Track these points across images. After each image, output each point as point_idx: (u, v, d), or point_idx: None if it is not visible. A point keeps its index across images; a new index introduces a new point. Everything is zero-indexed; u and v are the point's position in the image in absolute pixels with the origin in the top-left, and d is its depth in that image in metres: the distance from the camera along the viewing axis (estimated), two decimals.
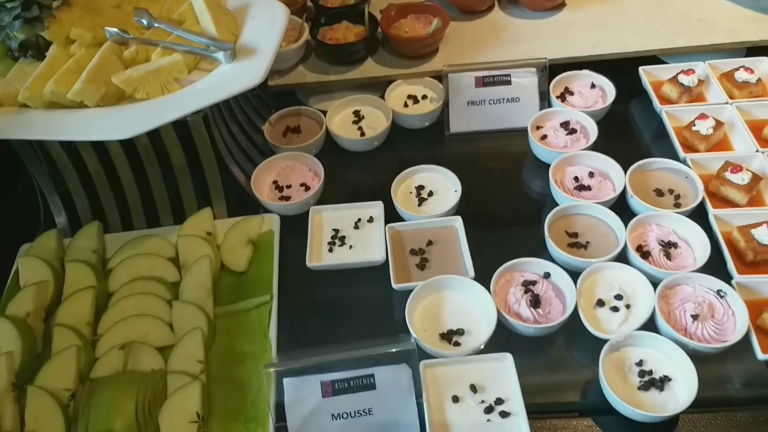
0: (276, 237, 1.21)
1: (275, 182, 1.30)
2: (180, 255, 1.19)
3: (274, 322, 1.10)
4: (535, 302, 1.04)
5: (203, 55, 1.17)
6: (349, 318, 1.14)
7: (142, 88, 1.12)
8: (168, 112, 1.06)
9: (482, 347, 1.01)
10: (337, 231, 1.21)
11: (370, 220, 1.22)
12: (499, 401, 0.95)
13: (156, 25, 1.20)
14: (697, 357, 0.97)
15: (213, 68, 1.17)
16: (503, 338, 1.04)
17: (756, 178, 1.18)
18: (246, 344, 1.09)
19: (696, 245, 1.11)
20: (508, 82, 1.38)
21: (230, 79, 1.12)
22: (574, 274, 1.07)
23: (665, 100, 1.39)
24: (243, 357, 1.08)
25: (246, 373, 1.05)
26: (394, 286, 1.10)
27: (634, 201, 1.18)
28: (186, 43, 1.18)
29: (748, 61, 1.41)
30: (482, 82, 1.38)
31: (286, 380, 0.95)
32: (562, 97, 1.41)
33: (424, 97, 1.45)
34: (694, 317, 1.00)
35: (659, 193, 1.21)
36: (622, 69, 1.45)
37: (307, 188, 1.28)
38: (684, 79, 1.38)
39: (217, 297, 1.15)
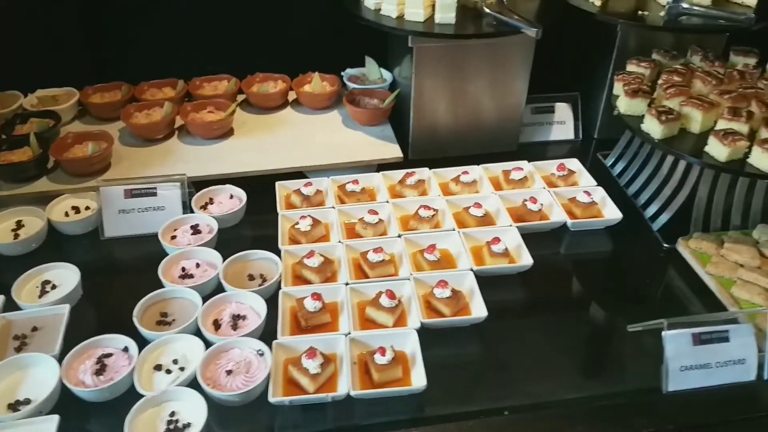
0: None
1: None
2: None
3: None
4: (100, 371, 1.20)
5: None
6: None
7: None
8: None
9: (42, 412, 1.14)
10: None
11: None
12: None
13: None
14: (232, 406, 1.17)
15: None
16: (70, 403, 1.18)
17: (328, 261, 1.47)
18: None
19: (263, 315, 1.34)
20: (154, 194, 1.63)
21: None
22: None
23: (291, 206, 1.70)
24: None
25: None
26: None
27: (224, 284, 1.41)
28: None
29: (360, 176, 1.77)
30: (131, 194, 1.62)
31: None
32: (205, 206, 1.68)
33: (87, 207, 1.66)
34: (229, 372, 1.20)
35: (251, 277, 1.45)
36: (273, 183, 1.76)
37: None
38: (305, 190, 1.70)
39: None
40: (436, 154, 1.94)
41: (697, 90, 1.63)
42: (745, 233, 1.57)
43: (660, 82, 1.65)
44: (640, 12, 1.78)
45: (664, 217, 1.65)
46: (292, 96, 2.11)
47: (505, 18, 1.67)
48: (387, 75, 2.11)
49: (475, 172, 1.79)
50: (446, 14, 1.67)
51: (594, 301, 1.51)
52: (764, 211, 1.62)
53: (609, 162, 1.93)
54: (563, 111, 2.09)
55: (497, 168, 1.83)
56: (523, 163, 1.83)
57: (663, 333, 1.25)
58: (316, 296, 1.34)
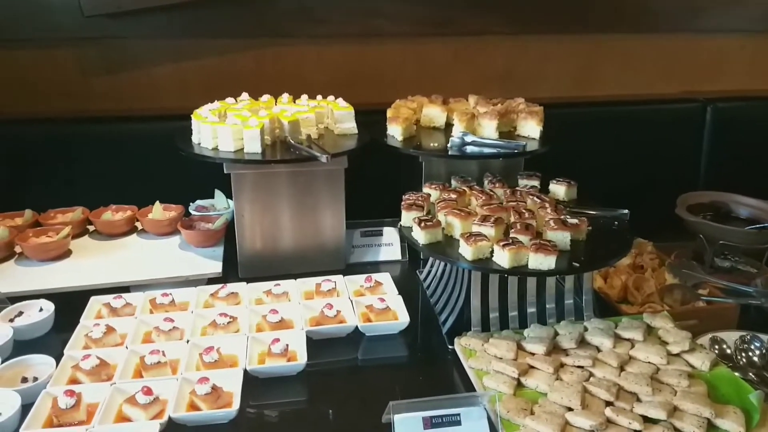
0: None
1: None
2: None
3: None
4: None
5: None
6: None
7: None
8: None
9: None
10: None
11: None
12: None
13: None
14: None
15: None
16: None
17: (104, 364, 1.52)
18: None
19: (15, 411, 1.36)
20: None
21: None
22: None
23: (99, 318, 1.78)
24: None
25: None
26: None
27: None
28: None
29: (173, 291, 1.86)
30: None
31: None
32: (13, 319, 1.75)
33: None
34: None
35: (25, 379, 1.50)
36: None
37: None
38: (114, 302, 1.79)
39: None
40: (268, 272, 2.05)
41: (472, 206, 1.83)
42: (517, 332, 1.67)
43: (439, 199, 1.86)
44: (432, 144, 2.04)
45: (450, 320, 1.75)
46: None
47: (303, 147, 1.91)
48: (233, 204, 2.31)
49: (287, 285, 1.91)
50: (252, 145, 1.90)
51: (368, 399, 1.54)
52: (540, 312, 1.74)
53: (422, 276, 2.07)
54: (390, 234, 2.27)
55: (311, 282, 1.95)
56: (337, 277, 1.96)
57: (392, 417, 1.30)
58: (70, 393, 1.38)
